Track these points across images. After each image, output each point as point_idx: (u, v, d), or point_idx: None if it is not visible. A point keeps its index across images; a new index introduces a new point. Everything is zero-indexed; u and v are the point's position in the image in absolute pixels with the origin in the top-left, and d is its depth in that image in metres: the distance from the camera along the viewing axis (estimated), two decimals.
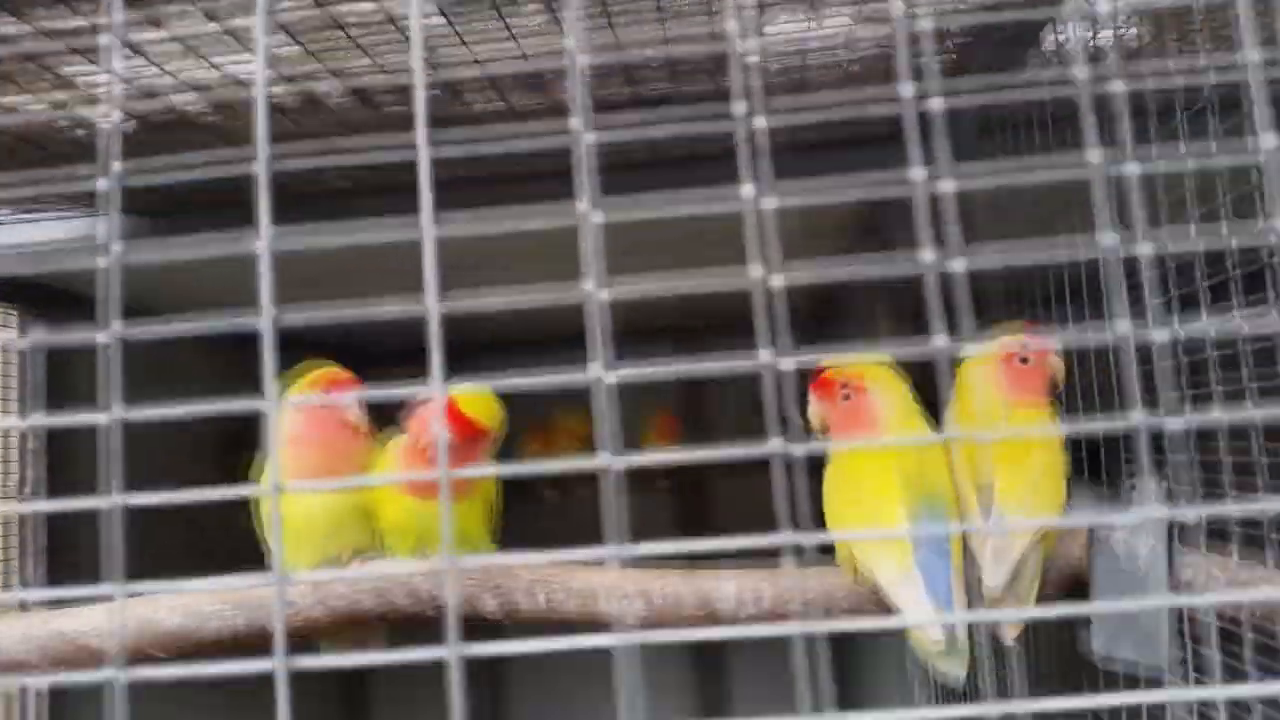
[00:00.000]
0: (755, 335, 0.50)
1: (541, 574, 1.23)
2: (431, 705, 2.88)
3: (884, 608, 1.09)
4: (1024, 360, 1.21)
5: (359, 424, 1.29)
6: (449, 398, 1.19)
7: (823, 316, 2.74)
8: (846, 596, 1.14)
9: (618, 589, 1.20)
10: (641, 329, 2.69)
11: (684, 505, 3.44)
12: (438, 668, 0.48)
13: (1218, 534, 1.11)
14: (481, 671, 2.87)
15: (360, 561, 1.28)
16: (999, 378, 1.21)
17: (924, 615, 1.01)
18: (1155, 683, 1.17)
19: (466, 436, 1.21)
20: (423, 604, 1.25)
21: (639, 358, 0.51)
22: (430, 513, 1.26)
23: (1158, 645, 1.08)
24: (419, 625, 1.30)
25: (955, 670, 1.02)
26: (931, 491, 1.10)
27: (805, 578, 1.16)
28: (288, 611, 1.29)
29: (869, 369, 1.22)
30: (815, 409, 1.21)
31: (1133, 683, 1.09)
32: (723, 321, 2.33)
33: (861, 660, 2.51)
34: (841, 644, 2.45)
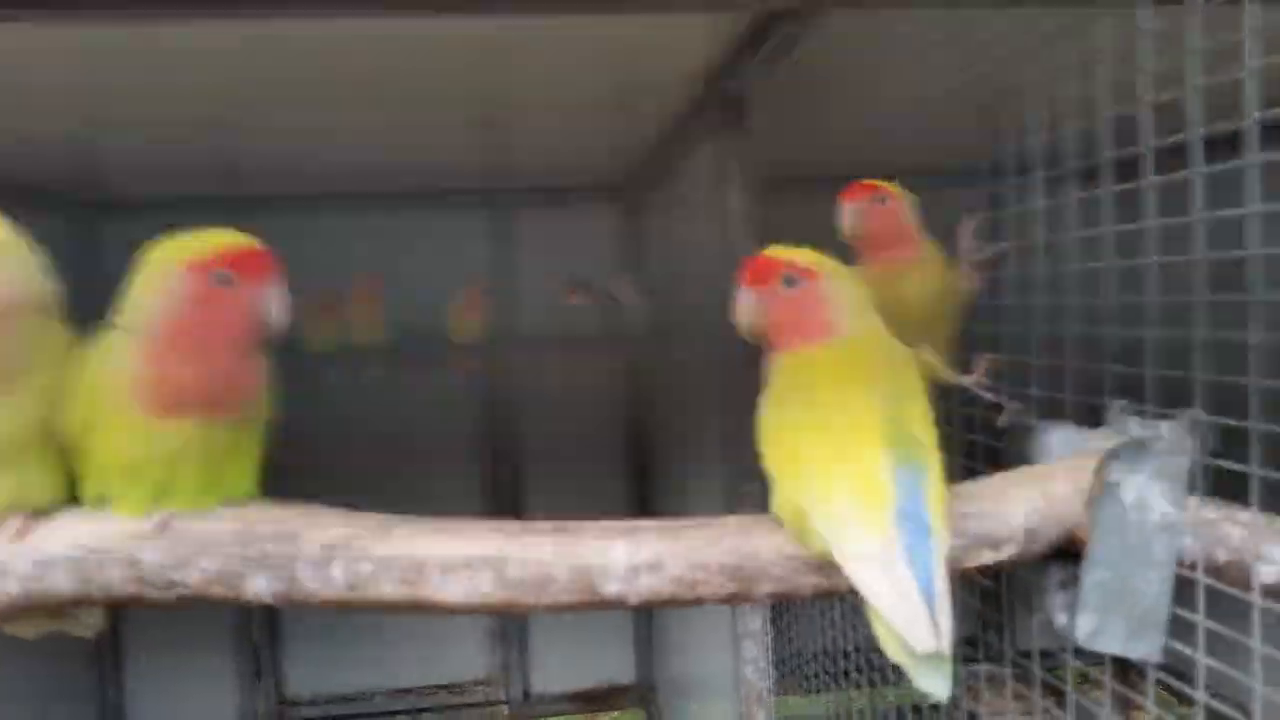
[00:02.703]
0: None
1: (338, 535, 0.84)
2: (187, 652, 2.50)
3: (836, 587, 0.79)
4: (881, 200, 1.14)
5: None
6: None
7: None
8: (783, 567, 0.82)
9: (456, 559, 0.82)
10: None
11: (492, 387, 3.07)
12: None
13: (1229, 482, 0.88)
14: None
15: (27, 521, 0.82)
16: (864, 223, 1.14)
17: (905, 608, 0.71)
18: (1139, 671, 0.96)
19: None
20: (152, 586, 0.82)
21: None
22: (183, 441, 0.82)
23: (1154, 631, 0.85)
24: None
25: (938, 684, 0.73)
26: (909, 435, 0.78)
27: (722, 536, 0.83)
28: None
29: (816, 255, 0.89)
30: (747, 302, 0.87)
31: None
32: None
33: None
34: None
